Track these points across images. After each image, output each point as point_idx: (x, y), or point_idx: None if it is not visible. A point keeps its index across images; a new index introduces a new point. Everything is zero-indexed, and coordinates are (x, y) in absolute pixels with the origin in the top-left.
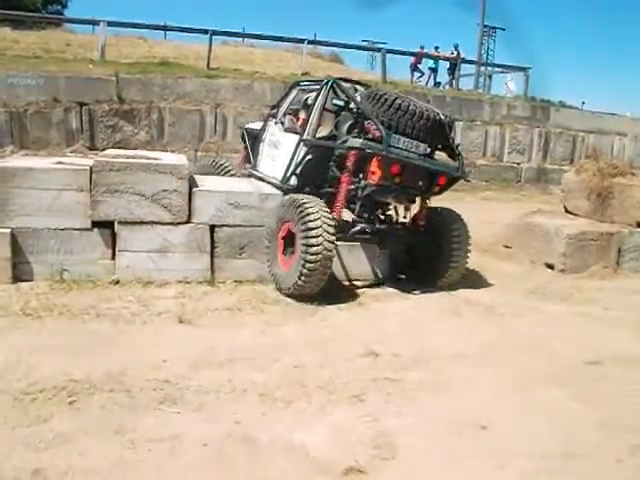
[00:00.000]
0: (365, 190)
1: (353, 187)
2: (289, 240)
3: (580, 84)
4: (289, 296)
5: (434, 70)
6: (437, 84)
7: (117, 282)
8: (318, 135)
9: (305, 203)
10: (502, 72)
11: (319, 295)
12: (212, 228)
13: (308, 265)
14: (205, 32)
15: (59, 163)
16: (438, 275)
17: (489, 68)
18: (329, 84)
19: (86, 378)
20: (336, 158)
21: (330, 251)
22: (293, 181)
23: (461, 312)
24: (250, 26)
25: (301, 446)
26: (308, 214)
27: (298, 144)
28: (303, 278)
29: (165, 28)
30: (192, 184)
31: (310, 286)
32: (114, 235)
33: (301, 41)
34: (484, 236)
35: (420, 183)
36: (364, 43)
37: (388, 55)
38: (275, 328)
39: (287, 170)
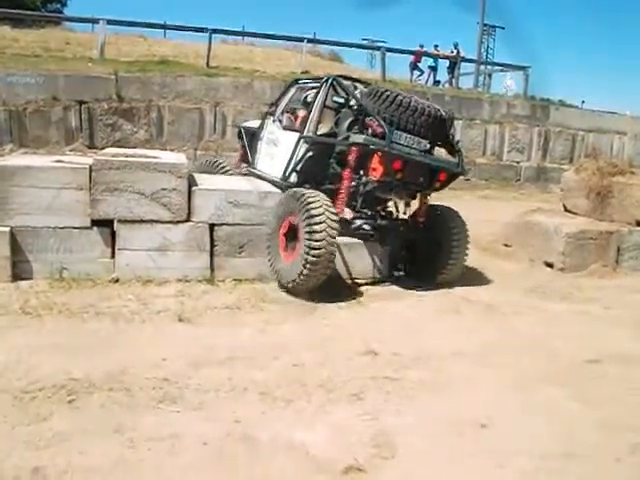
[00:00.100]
0: (367, 186)
1: (354, 183)
2: (291, 234)
3: (580, 83)
4: (290, 291)
5: (434, 69)
6: (437, 83)
7: (117, 281)
8: (318, 132)
9: (308, 196)
10: (502, 71)
11: (319, 293)
12: (212, 227)
13: (311, 258)
14: (205, 30)
15: (58, 162)
16: (437, 272)
17: (489, 67)
18: (329, 81)
19: (86, 377)
20: (337, 155)
21: (333, 245)
22: (293, 178)
23: (461, 311)
24: (250, 25)
25: (301, 445)
26: (312, 207)
27: (298, 141)
28: (306, 271)
29: (165, 27)
30: (191, 183)
31: (313, 280)
32: (114, 234)
33: (301, 40)
34: (484, 235)
35: (421, 179)
36: (364, 42)
37: (388, 54)
38: (275, 327)
39: (287, 167)
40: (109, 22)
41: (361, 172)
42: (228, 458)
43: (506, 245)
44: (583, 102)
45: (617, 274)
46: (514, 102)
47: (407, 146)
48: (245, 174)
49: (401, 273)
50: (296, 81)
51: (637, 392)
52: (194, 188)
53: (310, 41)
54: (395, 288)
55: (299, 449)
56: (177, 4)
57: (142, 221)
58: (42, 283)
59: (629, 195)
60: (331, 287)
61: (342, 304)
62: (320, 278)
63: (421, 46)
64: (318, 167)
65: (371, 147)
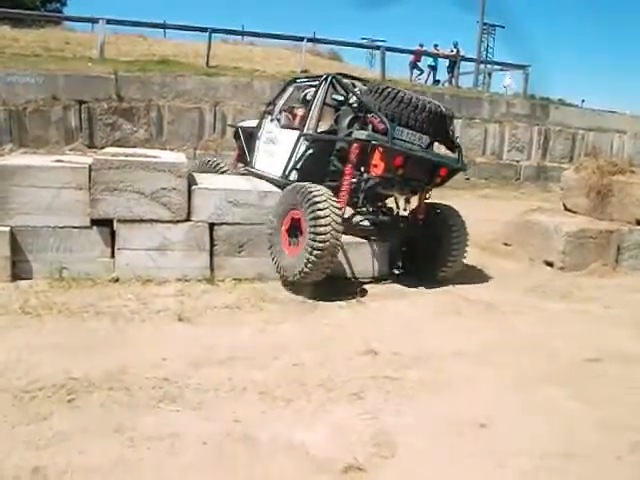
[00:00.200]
0: (368, 182)
1: (355, 180)
2: (294, 229)
3: (580, 82)
4: (294, 284)
5: (433, 68)
6: (436, 82)
7: (116, 280)
8: (318, 130)
9: (312, 189)
10: (502, 70)
11: (319, 293)
12: (211, 226)
13: (316, 251)
14: (204, 30)
15: (58, 161)
16: (437, 269)
17: (488, 66)
18: (329, 79)
19: (85, 376)
20: (337, 152)
21: (338, 238)
22: (293, 176)
23: (461, 310)
24: (249, 24)
25: (301, 444)
26: (316, 200)
27: (298, 139)
28: (310, 265)
29: (164, 26)
30: (191, 182)
31: (317, 272)
32: (113, 233)
33: (300, 39)
34: (483, 234)
35: (423, 175)
36: (363, 41)
37: (387, 53)
38: (274, 326)
39: (287, 165)
40: (109, 22)
41: (362, 169)
42: (228, 458)
43: (506, 244)
44: (583, 101)
45: (617, 273)
46: (514, 101)
47: (408, 142)
48: (243, 174)
49: (401, 270)
50: (294, 80)
51: (637, 391)
52: (194, 187)
53: (310, 40)
54: (395, 287)
55: (299, 449)
56: (177, 4)
57: (142, 220)
58: (42, 283)
59: (629, 194)
60: (331, 286)
61: (342, 303)
62: (324, 271)
63: (421, 45)
64: (318, 164)
65: (373, 143)
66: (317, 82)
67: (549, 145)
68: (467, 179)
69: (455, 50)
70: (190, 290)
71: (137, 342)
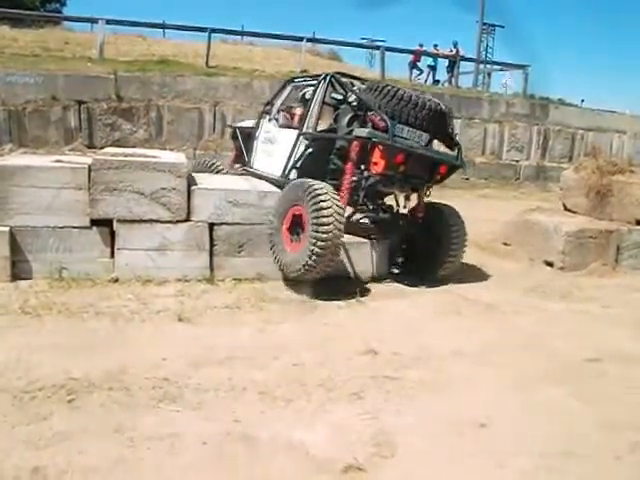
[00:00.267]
0: (369, 180)
1: (356, 178)
2: (295, 226)
3: (579, 82)
4: (293, 284)
5: (433, 68)
6: (436, 82)
7: (116, 280)
8: (317, 129)
9: (314, 184)
10: (501, 70)
11: (318, 292)
12: (211, 226)
13: (319, 242)
14: (204, 30)
15: (58, 161)
16: (435, 267)
17: (488, 66)
18: (327, 78)
19: (85, 376)
20: (337, 150)
21: (340, 231)
22: (293, 175)
23: (461, 310)
24: (249, 24)
25: (301, 444)
26: (318, 193)
27: (297, 138)
28: (313, 259)
29: (164, 26)
30: (191, 182)
31: (319, 268)
32: (113, 233)
33: (300, 39)
34: (483, 234)
35: (423, 172)
36: (363, 41)
37: (387, 53)
38: (274, 326)
39: (286, 165)
40: (108, 22)
41: (362, 167)
42: (228, 458)
43: (505, 244)
44: (582, 101)
45: (617, 273)
46: (513, 101)
47: (409, 140)
48: (241, 174)
49: (400, 269)
50: (291, 80)
51: (637, 391)
52: (193, 187)
53: (309, 40)
54: (395, 287)
55: (299, 448)
56: (176, 4)
57: (141, 221)
58: (42, 283)
59: (629, 194)
60: (331, 286)
61: (342, 303)
62: (328, 265)
63: (420, 45)
64: (318, 163)
65: (374, 140)
66: (315, 81)
67: (549, 145)
68: (466, 179)
69: (455, 50)
70: (190, 290)
71: (137, 342)
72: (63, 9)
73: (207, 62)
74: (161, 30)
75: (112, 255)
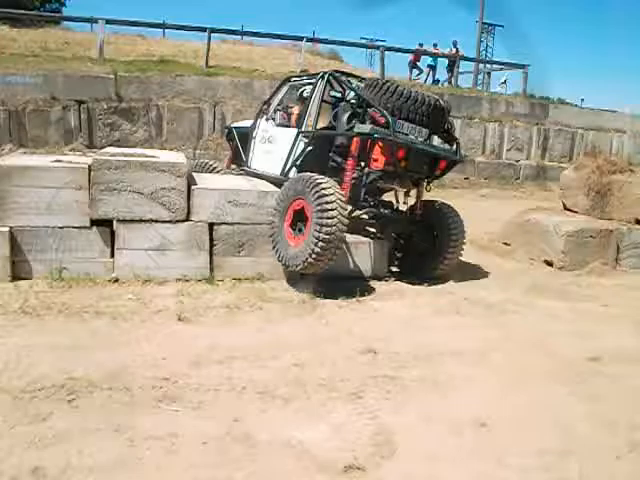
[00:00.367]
0: (370, 176)
1: (356, 175)
2: (297, 221)
3: (579, 81)
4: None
5: (433, 67)
6: (436, 81)
7: (116, 280)
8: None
9: (319, 179)
10: (501, 69)
11: (318, 292)
12: (211, 226)
13: (323, 238)
14: (204, 30)
15: (57, 161)
16: (433, 265)
17: (488, 65)
18: (326, 77)
19: (85, 376)
20: (336, 148)
21: (344, 226)
22: (292, 173)
23: (460, 309)
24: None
25: (300, 444)
26: (323, 189)
27: (297, 137)
28: (317, 252)
29: (164, 26)
30: (191, 182)
31: (322, 262)
32: (113, 233)
33: (300, 38)
34: (483, 233)
35: (424, 167)
36: (363, 41)
37: (387, 53)
38: (274, 326)
39: (286, 163)
40: (108, 22)
41: (362, 164)
42: (227, 457)
43: (506, 244)
44: (582, 100)
45: (616, 272)
46: (513, 100)
47: (409, 135)
48: (239, 174)
49: (398, 266)
50: (288, 79)
51: (637, 389)
52: (193, 187)
53: (309, 40)
54: (395, 286)
55: (298, 448)
56: (176, 4)
57: (141, 220)
58: (41, 283)
59: (628, 193)
60: (331, 286)
61: (341, 302)
62: (331, 259)
63: (420, 45)
64: (318, 161)
65: (375, 136)
66: (312, 80)
67: (548, 144)
68: (466, 179)
69: (454, 49)
70: (190, 290)
71: (137, 342)
72: (63, 9)
73: (207, 62)
74: (161, 30)
75: (112, 255)
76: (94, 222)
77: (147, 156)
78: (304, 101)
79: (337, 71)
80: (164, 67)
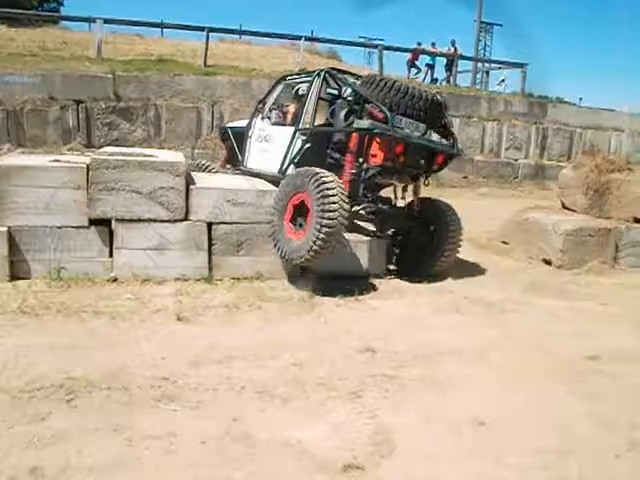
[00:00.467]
0: (369, 172)
1: (355, 171)
2: (298, 214)
3: (578, 80)
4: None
5: (431, 66)
6: (434, 80)
7: (115, 280)
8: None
9: (317, 170)
10: (499, 68)
11: (317, 291)
12: (209, 225)
13: (325, 231)
14: (202, 29)
15: (56, 161)
16: (430, 263)
17: (486, 64)
18: (322, 74)
19: (84, 376)
20: (334, 145)
21: (345, 219)
22: (290, 171)
23: (459, 308)
24: (247, 23)
25: (299, 443)
26: (325, 182)
27: (294, 134)
28: (318, 244)
29: (162, 25)
30: (189, 181)
31: (326, 250)
32: (111, 233)
33: (298, 38)
34: (482, 232)
35: (422, 161)
36: (361, 40)
37: (385, 52)
38: (273, 325)
39: (284, 161)
40: (106, 21)
41: (360, 160)
42: (226, 457)
43: (504, 242)
44: (581, 99)
45: (615, 271)
46: (512, 99)
47: (407, 130)
48: (235, 174)
49: (396, 262)
50: (283, 78)
51: (636, 388)
52: (192, 187)
53: (308, 39)
54: (393, 285)
55: (298, 447)
56: (174, 3)
57: (140, 220)
58: (40, 282)
59: (627, 192)
60: (329, 284)
61: (340, 301)
62: (331, 252)
63: (419, 44)
64: (316, 158)
65: (375, 131)
66: (307, 78)
67: (547, 143)
68: (465, 177)
69: (453, 49)
70: (188, 289)
71: (136, 342)
72: (61, 8)
73: (205, 61)
74: (159, 29)
75: (110, 254)
76: (92, 222)
77: (145, 155)
78: (299, 99)
79: (333, 69)
80: (162, 66)
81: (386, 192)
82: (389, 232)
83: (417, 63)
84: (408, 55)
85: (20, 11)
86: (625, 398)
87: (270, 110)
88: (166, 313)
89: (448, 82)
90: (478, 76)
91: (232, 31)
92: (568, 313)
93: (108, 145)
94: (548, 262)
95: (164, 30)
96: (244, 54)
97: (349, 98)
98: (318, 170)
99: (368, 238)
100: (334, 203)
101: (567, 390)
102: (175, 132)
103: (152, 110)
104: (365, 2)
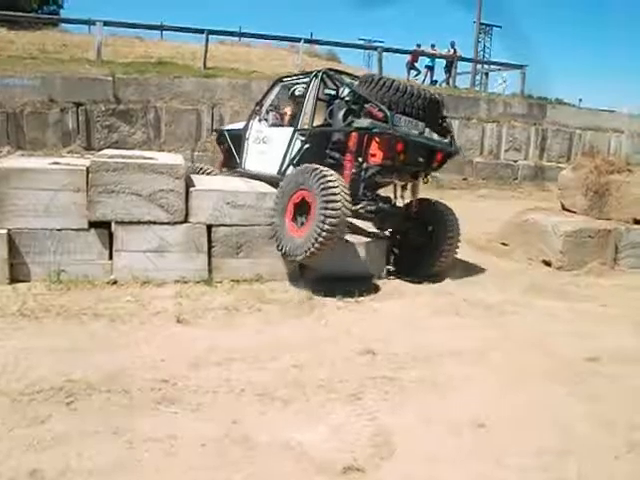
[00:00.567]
0: (369, 171)
1: (355, 170)
2: (299, 211)
3: (577, 81)
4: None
5: (431, 68)
6: (434, 82)
7: (114, 282)
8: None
9: (322, 170)
10: (499, 70)
11: (317, 293)
12: (209, 228)
13: (327, 228)
14: (201, 32)
15: (55, 163)
16: (431, 262)
17: (485, 66)
18: (320, 75)
19: (84, 378)
20: (333, 145)
21: (348, 210)
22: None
23: (459, 310)
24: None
25: (299, 445)
26: (325, 175)
27: (293, 135)
28: (320, 241)
29: (161, 28)
30: (189, 184)
31: (330, 242)
32: (111, 235)
33: (298, 40)
34: (481, 233)
35: (421, 160)
36: (361, 42)
37: (385, 54)
38: (273, 327)
39: (283, 162)
40: (106, 24)
41: (360, 159)
42: (226, 459)
43: (504, 244)
44: (580, 100)
45: (615, 272)
46: (511, 101)
47: (407, 128)
48: (234, 176)
49: (392, 268)
50: (280, 79)
51: (635, 389)
52: (191, 189)
53: (307, 41)
54: (393, 287)
55: (298, 449)
56: (174, 5)
57: (140, 222)
58: (40, 285)
59: (626, 193)
60: (329, 286)
61: (340, 303)
62: (333, 248)
63: (418, 45)
64: (315, 158)
65: (375, 130)
66: (305, 79)
67: (546, 144)
68: (464, 179)
69: (452, 50)
70: (188, 292)
71: (135, 344)
72: (60, 11)
73: (205, 63)
74: (159, 32)
75: (110, 257)
76: (92, 224)
77: (145, 158)
78: (297, 100)
79: (331, 69)
80: (162, 69)
81: (386, 192)
82: (387, 232)
83: (417, 65)
84: (408, 57)
85: (20, 14)
86: (625, 399)
87: (267, 112)
88: (166, 315)
89: (447, 84)
90: (477, 78)
91: (232, 33)
92: (568, 314)
93: (108, 147)
94: (548, 263)
95: (164, 32)
96: (244, 56)
97: (347, 98)
98: (317, 166)
99: (368, 239)
100: (336, 194)
101: (567, 391)
102: (175, 134)
103: (152, 112)
104: (365, 2)
